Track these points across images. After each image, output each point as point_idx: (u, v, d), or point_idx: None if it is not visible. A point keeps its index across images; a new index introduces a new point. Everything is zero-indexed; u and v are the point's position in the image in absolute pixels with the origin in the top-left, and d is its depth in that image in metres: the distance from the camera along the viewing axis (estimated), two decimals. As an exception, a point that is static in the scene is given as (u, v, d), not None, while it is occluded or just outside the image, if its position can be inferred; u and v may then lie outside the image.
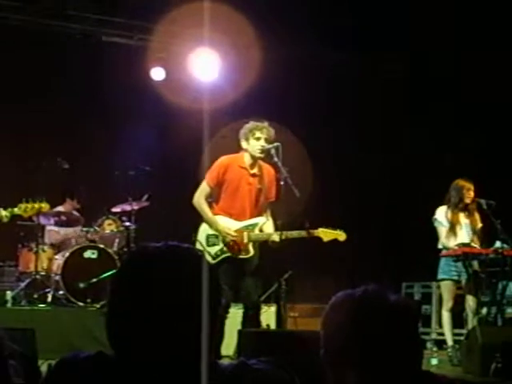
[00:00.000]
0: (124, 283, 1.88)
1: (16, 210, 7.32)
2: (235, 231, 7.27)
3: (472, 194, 8.64)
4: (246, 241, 7.28)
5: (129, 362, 1.82)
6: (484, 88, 11.30)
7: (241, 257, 7.29)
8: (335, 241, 7.29)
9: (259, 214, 7.39)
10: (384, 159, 12.28)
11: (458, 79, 11.84)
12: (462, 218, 8.68)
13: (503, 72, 11.02)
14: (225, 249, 7.28)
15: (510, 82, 11.08)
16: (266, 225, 7.42)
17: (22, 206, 7.44)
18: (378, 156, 12.24)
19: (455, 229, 8.61)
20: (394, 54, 11.86)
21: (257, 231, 7.34)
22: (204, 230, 7.38)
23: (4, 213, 7.23)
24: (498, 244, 8.32)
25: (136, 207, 9.86)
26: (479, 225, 8.69)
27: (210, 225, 7.32)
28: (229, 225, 7.31)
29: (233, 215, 7.33)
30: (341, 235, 7.27)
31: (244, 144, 7.34)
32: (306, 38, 11.27)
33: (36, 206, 7.63)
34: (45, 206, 7.88)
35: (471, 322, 8.43)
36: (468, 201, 8.64)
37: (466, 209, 8.68)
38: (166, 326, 1.80)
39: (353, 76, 12.07)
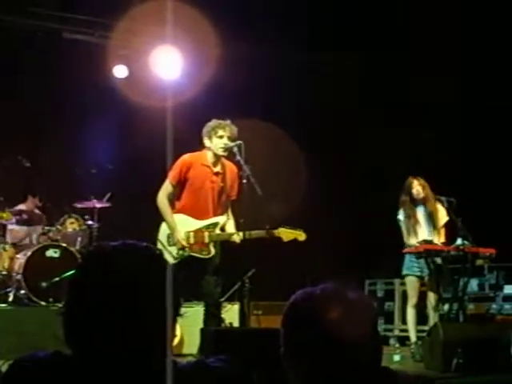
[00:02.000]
0: (80, 282, 1.87)
1: None
2: (195, 231, 7.27)
3: (419, 188, 8.73)
4: (206, 241, 7.29)
5: (86, 361, 1.80)
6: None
7: (201, 256, 7.29)
8: (297, 239, 7.30)
9: (222, 213, 7.40)
10: (346, 156, 12.32)
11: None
12: (420, 213, 8.76)
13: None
14: (186, 248, 7.27)
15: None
16: (227, 224, 7.43)
17: None
18: (341, 153, 12.27)
19: (416, 228, 8.70)
20: (353, 53, 11.89)
21: (218, 231, 7.34)
22: (165, 230, 7.38)
23: None
24: (459, 241, 8.39)
25: (98, 206, 9.81)
26: (443, 219, 8.75)
27: (168, 227, 7.31)
28: (189, 224, 7.30)
29: (195, 214, 7.32)
30: (300, 235, 7.28)
31: (207, 142, 7.33)
32: (267, 36, 11.27)
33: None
34: (6, 216, 7.80)
35: (432, 318, 8.51)
36: (418, 196, 8.73)
37: (422, 203, 8.76)
38: (122, 325, 1.79)
39: (315, 73, 12.10)
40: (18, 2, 10.52)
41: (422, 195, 8.75)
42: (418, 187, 8.76)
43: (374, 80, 12.33)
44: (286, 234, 7.24)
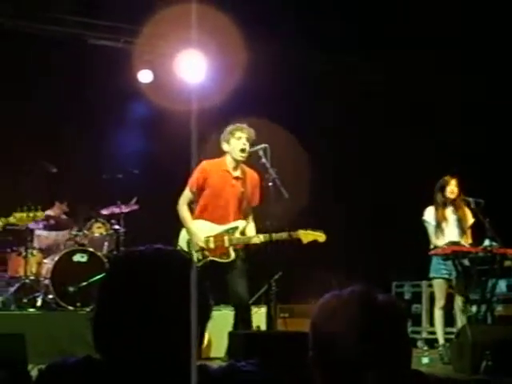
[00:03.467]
0: (109, 288, 1.88)
1: (11, 219, 7.28)
2: (215, 236, 7.28)
3: (454, 188, 8.69)
4: (226, 245, 7.29)
5: (115, 365, 1.81)
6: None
7: (222, 261, 7.30)
8: (326, 242, 7.29)
9: (242, 218, 7.41)
10: (373, 158, 12.28)
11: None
12: (450, 214, 8.72)
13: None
14: (206, 253, 7.28)
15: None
16: (247, 228, 7.43)
17: (17, 215, 7.39)
18: (367, 155, 12.24)
19: (443, 226, 8.65)
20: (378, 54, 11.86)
21: (237, 235, 7.35)
22: (184, 236, 7.41)
23: None
24: (487, 242, 8.34)
25: (125, 210, 9.85)
26: (470, 221, 8.71)
27: (188, 233, 7.33)
28: (209, 229, 7.31)
29: (215, 219, 7.34)
30: (320, 236, 7.27)
31: (225, 146, 7.36)
32: (293, 39, 11.27)
33: (31, 215, 7.58)
34: (40, 215, 7.84)
35: (460, 320, 8.46)
36: (451, 195, 8.69)
37: (452, 204, 8.72)
38: (151, 329, 1.79)
39: (340, 77, 12.08)
40: (43, 8, 10.58)
41: (454, 196, 8.69)
42: (454, 187, 8.69)
43: (399, 86, 12.32)
44: (305, 235, 7.23)
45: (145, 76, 11.21)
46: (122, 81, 10.98)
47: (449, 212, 8.73)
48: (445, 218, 8.68)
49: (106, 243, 9.78)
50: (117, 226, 9.81)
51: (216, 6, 8.88)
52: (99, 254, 9.27)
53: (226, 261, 7.29)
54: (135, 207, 9.94)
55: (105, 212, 10.04)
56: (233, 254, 7.30)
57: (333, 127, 11.97)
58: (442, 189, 8.73)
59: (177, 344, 1.80)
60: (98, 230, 9.92)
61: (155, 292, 1.81)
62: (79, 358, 1.89)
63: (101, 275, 8.59)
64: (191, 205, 7.44)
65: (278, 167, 7.21)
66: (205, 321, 1.90)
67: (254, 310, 8.55)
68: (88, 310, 8.63)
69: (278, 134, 8.29)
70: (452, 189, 8.69)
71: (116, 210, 9.89)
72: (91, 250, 9.27)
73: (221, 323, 8.10)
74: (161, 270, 1.84)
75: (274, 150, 7.22)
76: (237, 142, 7.27)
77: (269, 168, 7.12)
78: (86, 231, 9.75)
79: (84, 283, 8.79)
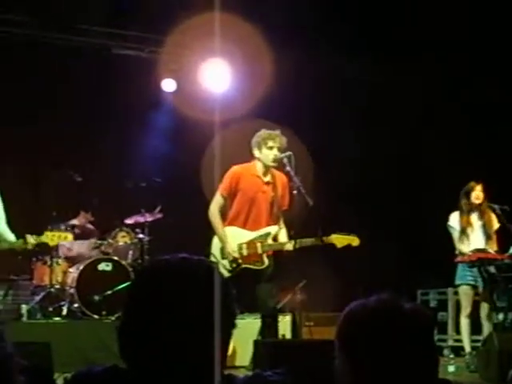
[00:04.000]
0: (135, 297, 1.88)
1: (43, 238, 7.35)
2: (248, 242, 7.25)
3: (479, 194, 8.64)
4: (260, 251, 7.24)
5: (141, 375, 1.81)
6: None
7: (255, 268, 7.26)
8: (350, 249, 7.25)
9: (274, 223, 7.36)
10: (398, 165, 12.24)
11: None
12: (475, 220, 8.67)
13: None
14: (240, 260, 7.24)
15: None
16: (279, 234, 7.39)
17: (49, 234, 7.46)
18: (392, 162, 12.20)
19: (468, 232, 8.60)
20: (408, 61, 11.81)
21: (270, 241, 7.30)
22: (217, 243, 7.33)
23: (31, 240, 7.27)
24: (513, 249, 8.29)
25: (149, 219, 9.88)
26: (495, 226, 8.66)
27: (220, 240, 7.30)
28: (241, 236, 7.28)
29: (247, 225, 7.30)
30: (354, 240, 7.22)
31: (256, 153, 7.32)
32: (317, 46, 11.26)
33: (62, 235, 7.68)
34: (69, 238, 7.92)
35: (487, 328, 8.40)
36: (476, 201, 8.64)
37: (477, 210, 8.66)
38: (177, 338, 1.79)
39: (365, 82, 12.05)
40: (68, 19, 10.65)
41: (479, 201, 8.64)
42: (479, 193, 8.65)
43: (426, 90, 12.29)
44: (339, 240, 7.18)
45: (168, 85, 11.26)
46: (146, 90, 11.04)
47: (474, 218, 8.68)
48: (470, 224, 8.63)
49: (130, 252, 9.81)
50: (141, 235, 9.84)
51: (240, 15, 8.88)
52: (124, 262, 9.30)
53: (260, 268, 7.25)
54: (159, 216, 9.97)
55: (129, 221, 10.08)
56: (266, 261, 7.25)
57: (356, 134, 11.94)
58: (467, 194, 8.69)
59: (202, 353, 1.79)
60: (123, 238, 9.95)
61: (181, 301, 1.80)
62: (105, 366, 1.89)
63: (126, 284, 8.63)
64: (222, 210, 7.39)
65: (302, 175, 7.19)
66: (230, 329, 1.90)
67: (280, 318, 8.54)
68: (113, 318, 8.65)
69: (301, 142, 8.26)
70: (477, 194, 8.65)
71: (140, 219, 9.93)
72: (116, 258, 9.30)
73: (246, 331, 8.10)
74: (186, 280, 1.84)
75: (298, 158, 7.21)
76: (268, 151, 7.23)
77: (293, 176, 7.10)
78: (110, 240, 9.79)
79: (109, 292, 8.82)
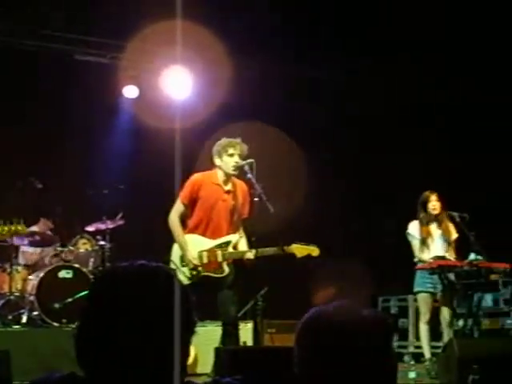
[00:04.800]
0: (92, 304, 1.87)
1: None
2: (208, 250, 7.24)
3: (436, 203, 8.72)
4: (220, 260, 7.23)
5: (99, 382, 1.80)
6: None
7: (215, 276, 7.25)
8: (312, 257, 7.27)
9: (234, 232, 7.36)
10: (359, 173, 12.31)
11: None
12: (434, 229, 8.75)
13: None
14: (200, 268, 7.23)
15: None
16: (239, 242, 7.40)
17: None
18: (353, 170, 12.27)
19: (427, 241, 8.68)
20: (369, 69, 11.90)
21: (230, 249, 7.29)
22: (177, 251, 7.32)
23: None
24: (472, 256, 8.36)
25: (111, 226, 9.83)
26: (454, 235, 8.74)
27: (180, 248, 7.28)
28: (202, 244, 7.27)
29: (207, 233, 7.29)
30: (314, 250, 7.23)
31: (217, 161, 7.31)
32: (277, 54, 11.29)
33: (12, 228, 7.57)
34: (22, 228, 7.82)
35: (447, 334, 8.47)
36: (434, 212, 8.72)
37: (436, 220, 8.74)
38: (135, 345, 1.78)
39: (326, 90, 12.11)
40: (30, 24, 10.58)
41: (437, 211, 8.73)
42: (435, 203, 8.73)
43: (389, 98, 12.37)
44: (299, 250, 7.19)
45: (130, 91, 11.23)
46: (108, 96, 10.99)
47: (433, 227, 8.76)
48: (429, 234, 8.72)
49: (91, 259, 9.74)
50: (102, 242, 9.78)
51: (201, 23, 8.88)
52: (85, 270, 9.24)
53: (220, 276, 7.24)
54: (121, 222, 9.92)
55: (90, 228, 10.02)
56: (227, 269, 7.25)
57: (320, 141, 12.00)
58: (424, 206, 8.78)
59: (161, 360, 1.79)
60: (84, 246, 9.89)
61: (139, 308, 1.80)
62: (63, 374, 1.88)
63: (86, 291, 8.56)
64: (182, 218, 7.38)
65: (264, 181, 7.20)
66: (189, 336, 1.89)
67: (241, 325, 8.53)
68: (73, 326, 8.58)
69: (263, 148, 8.27)
70: (433, 204, 8.74)
71: (101, 226, 9.87)
72: (77, 266, 9.24)
73: (207, 339, 8.09)
74: (144, 286, 1.83)
75: (259, 163, 7.21)
76: (229, 158, 7.23)
77: (254, 183, 7.10)
78: (71, 247, 9.71)
79: (69, 299, 8.75)
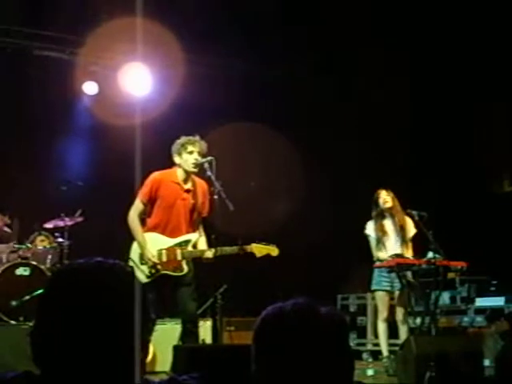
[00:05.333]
0: (48, 302, 1.85)
1: None
2: (167, 249, 7.23)
3: (386, 197, 8.79)
4: (179, 258, 7.23)
5: (54, 380, 1.78)
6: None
7: (175, 274, 7.23)
8: (270, 255, 7.29)
9: (193, 230, 7.36)
10: (317, 170, 12.34)
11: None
12: (389, 226, 8.81)
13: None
14: (159, 266, 7.21)
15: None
16: (199, 241, 7.39)
17: None
18: (311, 167, 12.30)
19: (383, 239, 8.74)
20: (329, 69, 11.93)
21: (190, 248, 7.29)
22: (136, 249, 7.29)
23: None
24: (430, 254, 8.42)
25: (69, 223, 9.75)
26: (411, 232, 8.80)
27: (139, 246, 7.26)
28: (161, 242, 7.25)
29: (166, 231, 7.28)
30: (273, 250, 7.27)
31: (177, 159, 7.31)
32: (239, 52, 11.29)
33: None
34: None
35: (403, 332, 8.53)
36: (384, 205, 8.79)
37: (391, 216, 8.80)
38: (90, 343, 1.77)
39: (288, 88, 12.13)
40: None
41: (388, 205, 8.79)
42: (385, 197, 8.82)
43: (347, 95, 12.41)
44: (258, 249, 7.21)
45: (90, 88, 11.15)
46: (67, 93, 10.90)
47: (388, 224, 8.83)
48: (384, 231, 8.78)
49: (49, 256, 9.65)
50: (61, 239, 9.70)
51: (160, 19, 8.85)
52: (42, 267, 9.15)
53: (179, 274, 7.23)
54: (80, 220, 9.85)
55: (48, 225, 9.92)
56: (186, 268, 7.24)
57: (281, 136, 12.00)
58: (376, 202, 8.86)
59: (117, 358, 1.78)
60: (42, 243, 9.79)
61: (95, 305, 1.79)
62: (18, 372, 1.86)
63: (44, 289, 8.48)
64: (141, 216, 7.36)
65: (223, 179, 7.20)
66: (146, 334, 1.88)
67: (200, 323, 8.52)
68: (31, 324, 8.49)
69: (223, 146, 8.27)
70: (384, 199, 8.82)
71: (60, 223, 9.79)
72: (34, 263, 9.15)
73: (166, 337, 8.07)
74: (101, 283, 1.82)
75: (219, 162, 7.22)
76: (189, 156, 7.23)
77: (214, 181, 7.10)
78: (29, 244, 9.62)
79: (27, 297, 8.67)
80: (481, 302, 10.89)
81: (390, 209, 8.81)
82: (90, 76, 11.12)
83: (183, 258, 7.23)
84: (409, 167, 12.18)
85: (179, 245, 7.26)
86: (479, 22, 10.71)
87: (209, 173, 7.14)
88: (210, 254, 7.13)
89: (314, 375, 1.95)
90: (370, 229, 8.84)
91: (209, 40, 10.67)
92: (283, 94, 12.07)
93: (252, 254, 7.21)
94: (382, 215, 8.83)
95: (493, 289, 11.14)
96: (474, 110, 12.20)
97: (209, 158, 7.19)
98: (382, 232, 8.77)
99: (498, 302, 10.68)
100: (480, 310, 10.74)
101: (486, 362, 7.88)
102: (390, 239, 8.77)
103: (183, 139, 7.29)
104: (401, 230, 8.78)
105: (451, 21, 10.78)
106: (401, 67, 11.42)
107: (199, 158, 7.22)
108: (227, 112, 11.36)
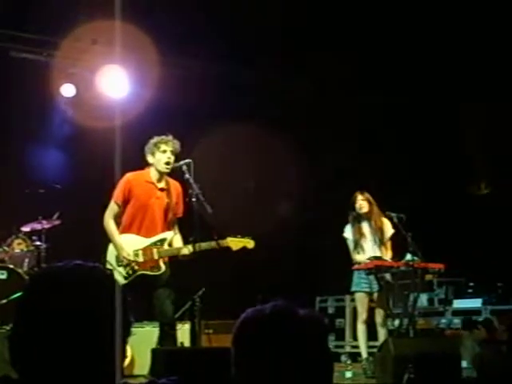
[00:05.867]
0: (26, 305, 1.84)
1: None
2: (143, 249, 7.23)
3: (362, 203, 8.82)
4: (156, 257, 7.24)
5: (32, 384, 1.77)
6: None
7: (152, 274, 7.24)
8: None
9: (168, 229, 7.38)
10: (298, 172, 12.35)
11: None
12: (366, 229, 8.84)
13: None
14: (136, 267, 7.21)
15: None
16: (174, 239, 7.41)
17: None
18: (290, 168, 12.30)
19: (361, 242, 8.77)
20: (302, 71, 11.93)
21: (166, 246, 7.31)
22: (113, 251, 7.31)
23: None
24: (408, 256, 8.46)
25: (47, 226, 9.70)
26: (389, 232, 8.82)
27: (115, 248, 7.26)
28: (137, 243, 7.25)
29: (142, 231, 7.28)
30: (249, 242, 7.29)
31: (150, 159, 7.34)
32: (215, 54, 11.27)
33: None
34: None
35: (382, 334, 8.55)
36: (361, 210, 8.81)
37: (367, 219, 8.83)
38: (69, 346, 1.76)
39: (263, 91, 12.13)
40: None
41: (365, 210, 8.82)
42: (361, 202, 8.85)
43: (322, 98, 12.42)
44: (234, 243, 7.24)
45: (68, 90, 11.10)
46: (44, 95, 10.84)
47: (365, 227, 8.86)
48: (361, 234, 8.82)
49: (26, 260, 9.59)
50: (38, 242, 9.65)
51: (137, 23, 8.82)
52: (20, 270, 9.10)
53: (157, 273, 7.24)
54: (57, 223, 9.80)
55: (26, 228, 9.86)
56: (163, 267, 7.26)
57: (257, 139, 12.00)
58: (352, 206, 8.88)
59: (96, 361, 1.77)
60: (19, 246, 9.73)
61: (74, 308, 1.78)
62: (-5, 377, 1.85)
63: (20, 293, 8.43)
64: (117, 219, 7.36)
65: (201, 181, 7.20)
66: (125, 337, 1.87)
67: (178, 326, 8.50)
68: (8, 328, 8.44)
69: (200, 148, 8.27)
70: (360, 204, 8.85)
71: (37, 226, 9.73)
72: (11, 266, 9.10)
73: (144, 340, 8.04)
74: (80, 286, 1.81)
75: (196, 164, 7.21)
76: (162, 155, 7.27)
77: (192, 183, 7.11)
78: (5, 247, 9.55)
79: (3, 301, 8.61)
80: (458, 303, 10.96)
81: (366, 213, 8.84)
82: (67, 78, 11.06)
83: (160, 256, 7.25)
84: (387, 169, 12.20)
85: (155, 244, 7.28)
86: (457, 22, 10.74)
87: (187, 175, 7.14)
88: (186, 250, 7.15)
89: (293, 378, 1.95)
90: (348, 232, 8.87)
91: (185, 42, 10.64)
92: (258, 95, 12.07)
93: (228, 249, 7.22)
94: (358, 218, 8.85)
95: (470, 291, 11.22)
96: (453, 112, 12.26)
97: (187, 161, 7.20)
98: (359, 234, 8.80)
99: (476, 303, 10.76)
100: (457, 312, 10.81)
101: (464, 364, 7.93)
102: (368, 242, 8.80)
103: (156, 138, 7.32)
104: (378, 232, 8.80)
105: (421, 21, 10.81)
106: (378, 66, 11.47)
107: (172, 158, 7.24)
108: (203, 113, 11.36)
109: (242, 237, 7.29)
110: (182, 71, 11.25)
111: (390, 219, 8.77)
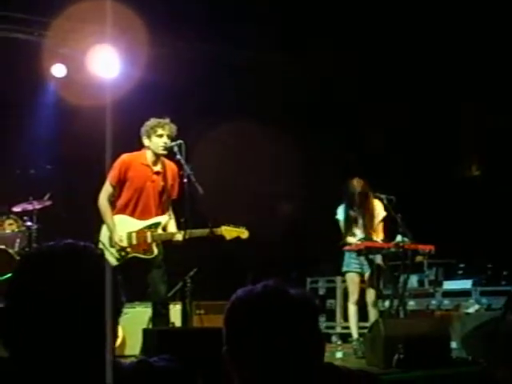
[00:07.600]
0: (18, 285, 1.84)
1: None
2: (137, 231, 7.22)
3: (358, 187, 8.81)
4: (149, 241, 7.23)
5: (23, 363, 1.77)
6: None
7: (145, 257, 7.23)
8: (239, 239, 7.31)
9: (163, 212, 7.36)
10: (289, 154, 12.36)
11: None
12: (358, 211, 8.84)
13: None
14: (128, 249, 7.21)
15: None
16: (168, 224, 7.39)
17: None
18: (281, 151, 12.30)
19: (353, 224, 8.79)
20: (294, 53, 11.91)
21: (160, 230, 7.30)
22: (106, 231, 7.29)
23: None
24: (398, 238, 8.48)
25: (38, 206, 9.68)
26: (380, 214, 8.84)
27: (108, 229, 7.24)
28: (131, 225, 7.24)
29: (136, 214, 7.27)
30: (243, 233, 7.29)
31: (146, 141, 7.30)
32: (206, 34, 11.23)
33: None
34: None
35: (373, 315, 8.59)
36: (356, 191, 8.81)
37: (360, 201, 8.83)
38: (60, 326, 1.76)
39: (254, 72, 12.10)
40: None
41: (359, 190, 8.82)
42: (355, 183, 8.85)
43: (315, 81, 12.40)
44: (228, 232, 7.23)
45: (58, 70, 11.05)
46: (35, 75, 10.79)
47: (358, 210, 8.86)
48: (354, 216, 8.83)
49: (17, 240, 9.57)
50: (29, 223, 9.62)
51: (128, 2, 8.77)
52: (11, 251, 9.08)
53: (149, 257, 7.24)
54: (48, 203, 9.78)
55: (17, 209, 9.84)
56: (156, 251, 7.25)
57: (246, 120, 11.99)
58: (346, 188, 8.88)
59: (87, 340, 1.78)
60: (10, 226, 9.71)
61: (65, 287, 1.78)
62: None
63: (11, 273, 8.42)
64: (111, 199, 7.34)
65: (192, 162, 7.18)
66: (115, 316, 1.88)
67: (170, 306, 8.52)
68: (-1, 308, 8.43)
69: (192, 130, 8.24)
70: (354, 186, 8.83)
71: (28, 207, 9.71)
72: (2, 247, 9.08)
73: (136, 320, 8.05)
74: (71, 266, 1.81)
75: (190, 146, 7.20)
76: (158, 139, 7.23)
77: (184, 164, 7.09)
78: (-4, 228, 9.55)
79: (-5, 281, 8.61)
80: (448, 285, 11.00)
81: (360, 195, 8.84)
82: (58, 58, 11.01)
83: (153, 240, 7.23)
84: (377, 150, 12.21)
85: (149, 227, 7.26)
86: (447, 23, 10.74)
87: (178, 156, 7.13)
88: (179, 236, 7.14)
89: (284, 358, 1.96)
90: (341, 214, 8.89)
91: (176, 22, 10.60)
92: (250, 77, 12.03)
93: (222, 237, 7.22)
94: (352, 201, 8.85)
95: (460, 272, 11.26)
96: (444, 94, 12.26)
97: (178, 142, 7.18)
98: (351, 217, 8.81)
99: (466, 284, 10.79)
100: (447, 293, 10.85)
101: (453, 345, 7.97)
102: (360, 224, 8.81)
103: (153, 121, 7.27)
104: (370, 214, 8.82)
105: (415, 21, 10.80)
106: (369, 55, 11.46)
107: (168, 142, 7.21)
108: (194, 93, 11.33)
109: (236, 226, 7.29)
110: (174, 51, 11.21)
111: (381, 200, 8.79)
